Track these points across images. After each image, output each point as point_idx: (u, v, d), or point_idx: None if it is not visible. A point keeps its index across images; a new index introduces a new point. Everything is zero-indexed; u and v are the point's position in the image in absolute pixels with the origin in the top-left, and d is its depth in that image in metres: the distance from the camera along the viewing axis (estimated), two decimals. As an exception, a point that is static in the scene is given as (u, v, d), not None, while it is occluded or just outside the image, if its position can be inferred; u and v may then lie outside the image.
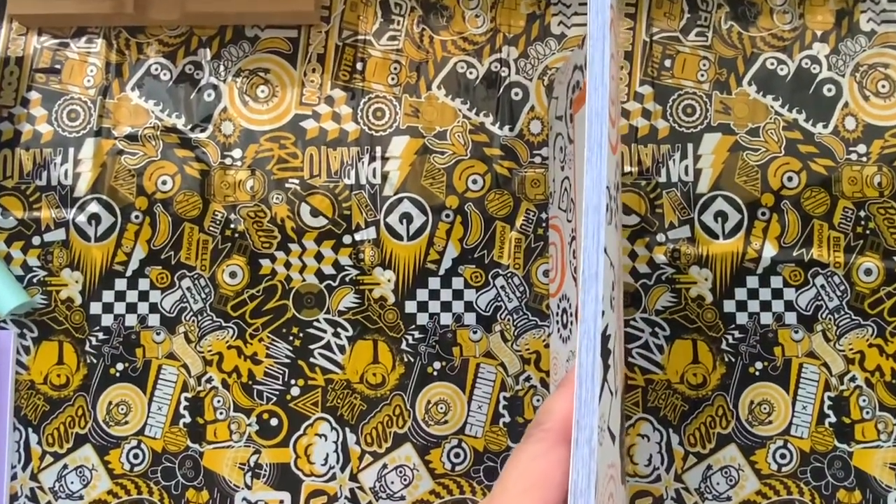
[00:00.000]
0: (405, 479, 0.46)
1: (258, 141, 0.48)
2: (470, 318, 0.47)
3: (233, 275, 0.47)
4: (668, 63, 0.48)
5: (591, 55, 0.29)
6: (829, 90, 0.48)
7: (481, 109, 0.48)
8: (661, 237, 0.47)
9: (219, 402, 0.46)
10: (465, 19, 0.49)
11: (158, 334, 0.47)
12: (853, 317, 0.46)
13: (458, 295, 0.47)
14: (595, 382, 0.27)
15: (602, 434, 0.28)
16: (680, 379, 0.46)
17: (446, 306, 0.47)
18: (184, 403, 0.46)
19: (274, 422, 0.46)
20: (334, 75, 0.49)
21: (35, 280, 0.47)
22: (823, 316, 0.46)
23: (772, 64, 0.48)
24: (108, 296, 0.47)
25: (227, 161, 0.48)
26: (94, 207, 0.48)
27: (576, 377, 0.27)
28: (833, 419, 0.45)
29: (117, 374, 0.47)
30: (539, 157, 0.48)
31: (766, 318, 0.46)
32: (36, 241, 0.48)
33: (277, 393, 0.46)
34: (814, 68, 0.48)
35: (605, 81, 0.29)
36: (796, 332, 0.46)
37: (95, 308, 0.47)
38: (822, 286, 0.46)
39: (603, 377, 0.28)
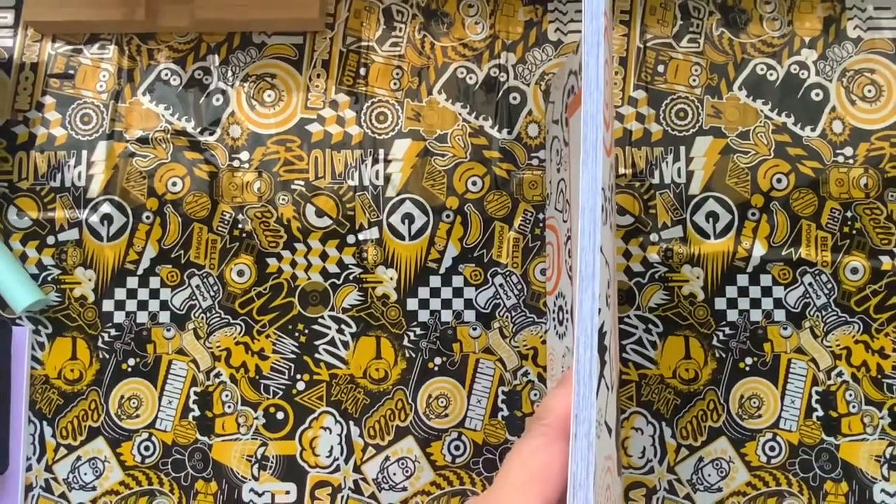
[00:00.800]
0: (407, 471, 0.46)
1: (265, 144, 0.48)
2: (469, 316, 0.47)
3: (240, 273, 0.47)
4: (661, 69, 0.48)
5: (586, 61, 0.29)
6: (817, 95, 0.48)
7: (481, 113, 0.49)
8: (654, 237, 0.47)
9: (227, 396, 0.46)
10: (465, 26, 0.49)
11: (169, 331, 0.47)
12: (840, 314, 0.46)
13: (458, 293, 0.47)
14: (592, 378, 0.27)
15: (600, 428, 0.28)
16: (672, 374, 0.46)
17: (447, 304, 0.47)
18: (193, 397, 0.46)
19: (280, 415, 0.46)
20: (338, 80, 0.49)
21: (49, 278, 0.47)
22: (811, 313, 0.46)
23: (761, 69, 0.48)
24: (119, 293, 0.47)
25: (235, 163, 0.48)
26: (106, 208, 0.48)
27: (574, 373, 0.27)
28: (820, 413, 0.46)
29: (129, 370, 0.47)
30: (536, 160, 0.48)
31: (755, 315, 0.46)
32: (50, 240, 0.48)
33: (283, 387, 0.46)
34: (802, 73, 0.48)
35: (601, 86, 0.29)
36: (785, 328, 0.46)
37: (108, 305, 0.47)
38: (810, 284, 0.46)
39: (600, 373, 0.28)
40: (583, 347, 0.27)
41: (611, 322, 0.32)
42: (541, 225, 0.47)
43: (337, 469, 0.46)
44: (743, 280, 0.46)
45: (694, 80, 0.48)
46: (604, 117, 0.30)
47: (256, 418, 0.46)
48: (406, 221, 0.48)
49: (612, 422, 0.31)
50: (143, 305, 0.47)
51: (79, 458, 0.46)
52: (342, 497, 0.46)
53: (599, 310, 0.28)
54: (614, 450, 0.32)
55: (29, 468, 0.46)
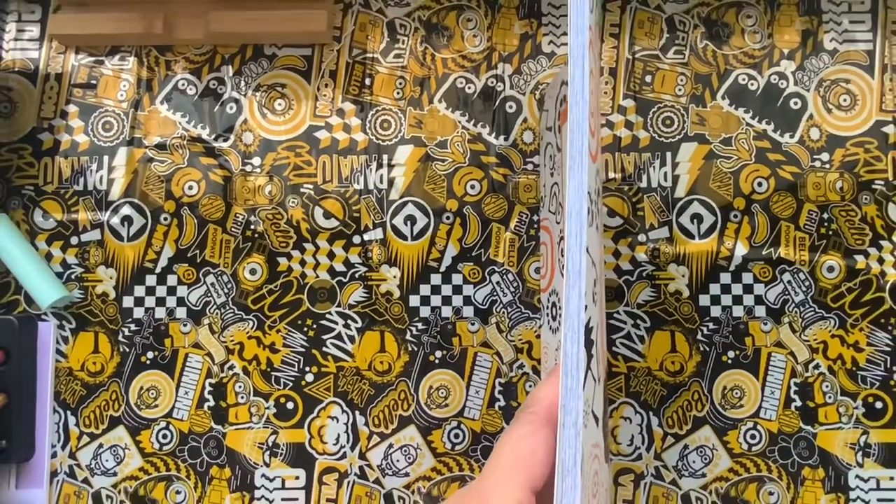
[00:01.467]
0: (409, 458, 0.46)
1: (276, 149, 0.49)
2: (468, 311, 0.47)
3: (253, 271, 0.48)
4: (648, 79, 0.49)
5: (572, 73, 0.29)
6: (796, 103, 0.48)
7: (479, 121, 0.49)
8: (642, 237, 0.47)
9: (240, 387, 0.47)
10: (464, 39, 0.50)
11: (185, 325, 0.47)
12: (817, 310, 0.47)
13: (457, 290, 0.47)
14: (580, 371, 0.27)
15: (587, 417, 0.28)
16: (659, 366, 0.46)
17: (447, 300, 0.47)
18: (208, 388, 0.47)
19: (290, 405, 0.47)
20: (345, 90, 0.49)
21: (73, 276, 0.48)
22: (790, 309, 0.47)
23: (743, 79, 0.49)
24: (139, 290, 0.48)
25: (248, 168, 0.49)
26: (126, 210, 0.48)
27: (561, 366, 0.27)
28: (798, 403, 0.46)
29: (147, 362, 0.47)
30: (531, 165, 0.48)
31: (737, 311, 0.47)
32: (74, 240, 0.48)
33: (293, 379, 0.47)
34: (781, 83, 0.48)
35: (585, 96, 0.29)
36: (765, 323, 0.46)
37: (128, 302, 0.48)
38: (789, 282, 0.47)
39: (587, 366, 0.28)
40: (570, 342, 0.27)
41: (598, 318, 0.31)
42: (535, 226, 0.48)
43: (343, 456, 0.46)
44: (726, 278, 0.47)
45: (679, 90, 0.49)
46: (589, 125, 0.30)
47: (268, 408, 0.47)
48: (408, 223, 0.48)
49: (598, 412, 0.31)
50: (161, 302, 0.48)
51: (101, 445, 0.47)
52: (348, 482, 0.46)
53: (586, 306, 0.28)
54: (601, 438, 0.32)
55: (54, 455, 0.47)
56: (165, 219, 0.48)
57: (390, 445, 0.46)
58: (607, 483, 0.34)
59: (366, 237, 0.48)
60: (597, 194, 0.33)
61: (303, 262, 0.48)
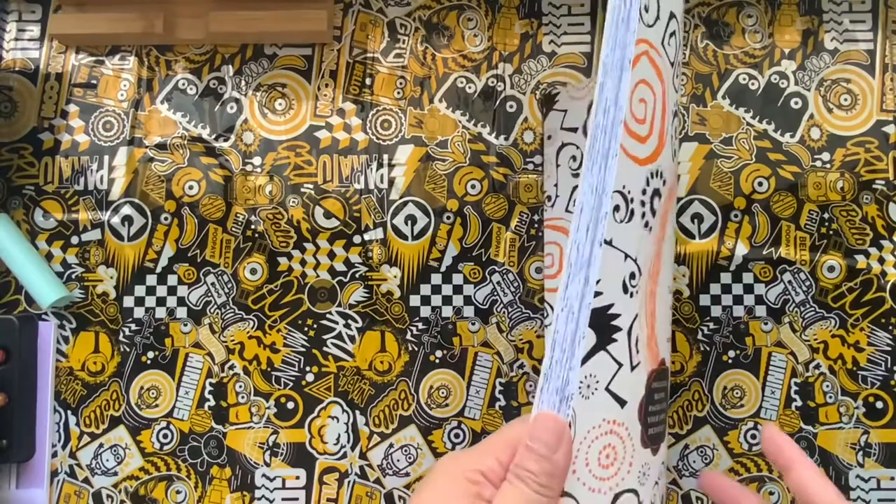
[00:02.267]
0: (410, 457, 0.46)
1: (276, 149, 0.49)
2: (469, 311, 0.47)
3: (253, 271, 0.48)
4: None
5: (601, 81, 0.30)
6: (796, 103, 0.48)
7: (479, 121, 0.49)
8: None
9: (240, 387, 0.47)
10: (465, 38, 0.49)
11: (186, 325, 0.47)
12: (817, 310, 0.46)
13: (457, 290, 0.47)
14: (575, 346, 0.29)
15: (589, 390, 0.30)
16: None
17: (447, 300, 0.47)
18: (208, 388, 0.47)
19: (290, 405, 0.47)
20: (345, 90, 0.49)
21: (73, 276, 0.48)
22: (790, 309, 0.46)
23: (744, 79, 0.48)
24: (139, 290, 0.47)
25: (248, 168, 0.49)
26: (127, 210, 0.48)
27: (547, 340, 0.30)
28: (799, 403, 0.46)
29: (148, 362, 0.47)
30: (532, 164, 0.48)
31: (738, 310, 0.46)
32: (74, 240, 0.48)
33: (294, 379, 0.47)
34: (782, 83, 0.48)
35: (620, 103, 0.30)
36: (766, 323, 0.46)
37: (128, 301, 0.47)
38: (790, 282, 0.47)
39: (599, 346, 0.30)
40: (561, 320, 0.30)
41: (639, 310, 0.33)
42: (535, 226, 0.47)
43: (344, 455, 0.46)
44: (726, 278, 0.47)
45: (680, 90, 0.48)
46: (635, 130, 0.31)
47: (268, 408, 0.47)
48: (409, 222, 0.48)
49: (627, 395, 0.32)
50: (161, 302, 0.47)
51: (101, 445, 0.47)
52: (349, 482, 0.46)
53: (597, 293, 0.29)
54: (635, 421, 0.32)
55: (54, 455, 0.46)
56: (166, 218, 0.48)
57: (391, 445, 0.46)
58: (658, 471, 0.35)
59: (366, 237, 0.48)
60: (651, 195, 0.33)
61: (303, 262, 0.48)
